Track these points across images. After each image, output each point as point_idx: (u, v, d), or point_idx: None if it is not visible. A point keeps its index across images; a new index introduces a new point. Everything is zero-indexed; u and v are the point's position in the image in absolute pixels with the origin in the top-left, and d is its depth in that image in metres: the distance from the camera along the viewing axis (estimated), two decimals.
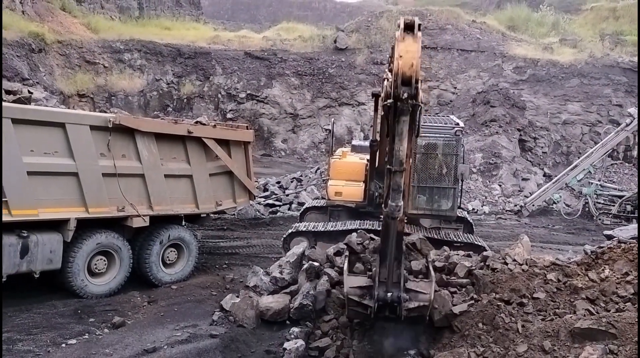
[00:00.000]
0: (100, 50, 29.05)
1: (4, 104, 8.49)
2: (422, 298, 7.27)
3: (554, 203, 21.72)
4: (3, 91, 12.01)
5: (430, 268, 7.80)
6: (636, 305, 6.65)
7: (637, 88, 27.54)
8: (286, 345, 7.64)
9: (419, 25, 6.15)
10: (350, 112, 31.08)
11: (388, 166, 6.52)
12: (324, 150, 28.89)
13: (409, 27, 6.13)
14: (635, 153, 27.55)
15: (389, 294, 7.03)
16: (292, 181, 21.35)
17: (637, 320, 6.18)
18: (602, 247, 8.61)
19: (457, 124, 11.42)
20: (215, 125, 11.75)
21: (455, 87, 31.35)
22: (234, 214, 16.25)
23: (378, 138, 11.38)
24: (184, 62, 31.15)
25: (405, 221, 8.33)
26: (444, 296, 7.73)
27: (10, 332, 7.86)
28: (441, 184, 11.35)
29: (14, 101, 12.25)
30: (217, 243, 14.38)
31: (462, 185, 11.61)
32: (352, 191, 12.19)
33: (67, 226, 9.07)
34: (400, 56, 5.98)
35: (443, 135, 11.34)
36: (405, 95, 5.98)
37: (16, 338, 7.69)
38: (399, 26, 6.13)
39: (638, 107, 27.45)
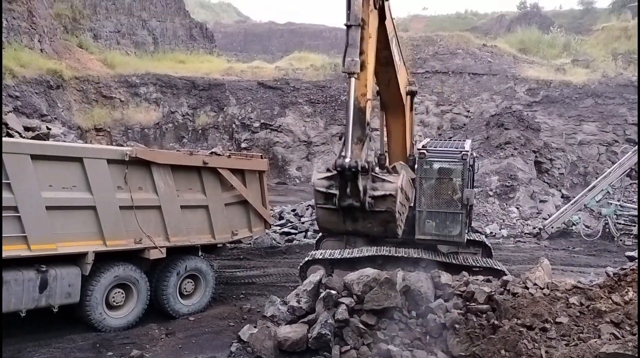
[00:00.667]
0: (117, 84, 29.64)
1: (23, 141, 8.67)
2: (388, 186, 7.01)
3: (574, 224, 21.39)
4: (22, 128, 12.23)
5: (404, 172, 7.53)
6: None
7: (638, 95, 27.32)
8: None
9: None
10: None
11: (344, 23, 6.70)
12: None
13: None
14: None
15: (347, 160, 6.79)
16: (307, 209, 21.33)
17: None
18: (625, 268, 8.42)
19: (464, 148, 11.40)
20: (230, 155, 11.85)
21: (468, 111, 31.38)
22: (250, 244, 16.24)
23: (385, 149, 11.52)
24: (199, 94, 31.63)
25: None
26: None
27: None
28: (449, 210, 11.25)
29: (32, 137, 12.51)
30: (233, 273, 14.34)
31: (469, 210, 11.48)
32: None
33: (85, 260, 9.13)
34: None
35: (449, 160, 11.31)
36: None
37: None
38: None
39: (638, 117, 27.21)
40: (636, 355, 6.00)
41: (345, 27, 6.95)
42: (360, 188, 6.90)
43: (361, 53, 6.93)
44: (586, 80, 30.84)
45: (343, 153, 6.92)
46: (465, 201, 10.95)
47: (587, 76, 31.35)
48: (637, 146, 20.70)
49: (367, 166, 6.98)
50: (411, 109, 10.92)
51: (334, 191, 7.07)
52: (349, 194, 6.98)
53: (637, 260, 7.42)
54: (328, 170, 7.49)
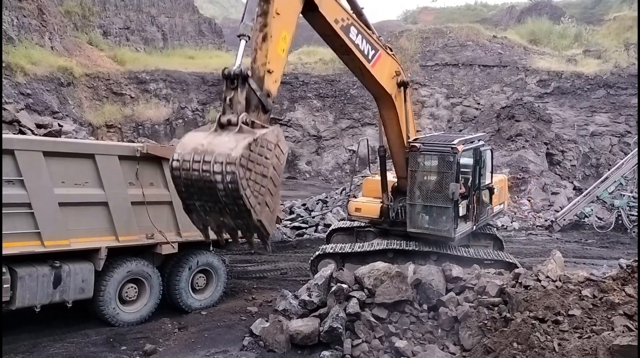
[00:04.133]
0: (127, 81, 29.78)
1: (35, 137, 8.73)
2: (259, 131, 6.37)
3: (586, 216, 21.23)
4: (34, 125, 12.28)
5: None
6: None
7: (637, 89, 27.01)
8: None
9: None
10: (374, 132, 31.06)
11: None
12: (348, 171, 28.89)
13: None
14: None
15: (234, 68, 6.57)
16: (317, 203, 21.37)
17: None
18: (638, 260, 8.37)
19: (453, 142, 11.32)
20: None
21: (478, 103, 31.20)
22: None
23: (385, 143, 11.46)
24: (208, 89, 31.71)
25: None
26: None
27: None
28: (436, 203, 11.19)
29: (44, 134, 12.59)
30: (244, 267, 14.41)
31: (457, 205, 11.34)
32: (370, 207, 12.20)
33: (98, 255, 9.21)
34: None
35: (439, 154, 11.26)
36: None
37: None
38: None
39: (638, 111, 26.89)
40: None
41: None
42: (241, 100, 6.54)
43: (264, 26, 7.03)
44: (598, 71, 30.54)
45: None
46: (450, 195, 10.89)
47: (599, 66, 31.04)
48: (638, 140, 20.48)
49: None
50: (405, 101, 10.68)
51: None
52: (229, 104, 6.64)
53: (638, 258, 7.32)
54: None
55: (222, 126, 6.40)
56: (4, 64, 22.28)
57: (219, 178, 5.88)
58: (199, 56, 35.94)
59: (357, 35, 8.85)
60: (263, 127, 6.46)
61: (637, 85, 29.25)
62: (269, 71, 7.00)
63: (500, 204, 13.91)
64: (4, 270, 8.16)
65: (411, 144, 11.36)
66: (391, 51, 10.22)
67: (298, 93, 31.61)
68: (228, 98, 6.60)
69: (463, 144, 11.35)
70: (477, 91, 31.59)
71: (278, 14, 7.06)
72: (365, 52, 9.19)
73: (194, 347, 8.64)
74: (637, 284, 7.45)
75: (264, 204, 6.35)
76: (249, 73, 6.63)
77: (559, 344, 6.74)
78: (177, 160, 6.07)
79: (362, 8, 9.33)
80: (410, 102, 10.93)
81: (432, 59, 33.41)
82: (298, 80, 32.06)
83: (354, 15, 8.94)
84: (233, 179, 5.81)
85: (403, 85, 10.51)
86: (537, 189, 24.06)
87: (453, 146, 11.08)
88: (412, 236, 11.51)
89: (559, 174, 27.02)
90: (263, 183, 6.26)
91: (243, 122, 6.27)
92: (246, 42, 6.92)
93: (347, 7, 8.93)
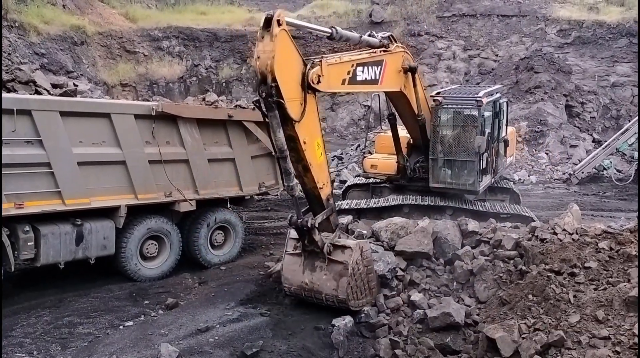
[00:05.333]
0: (140, 39, 29.53)
1: (51, 97, 8.79)
2: (349, 242, 7.86)
3: (605, 169, 20.95)
4: (50, 85, 12.34)
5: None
6: None
7: (638, 82, 26.26)
8: (335, 321, 7.74)
9: (278, 21, 6.32)
10: None
11: (273, 154, 7.11)
12: (363, 127, 28.71)
13: (268, 24, 6.33)
14: None
15: (299, 220, 7.47)
16: (333, 160, 21.36)
17: None
18: None
19: (478, 94, 11.09)
20: (254, 108, 11.81)
21: (496, 55, 30.48)
22: (277, 195, 16.39)
23: (394, 110, 11.31)
24: (221, 46, 31.36)
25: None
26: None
27: (71, 316, 8.25)
28: (462, 158, 11.07)
29: (60, 94, 12.67)
30: (262, 223, 14.58)
31: (487, 158, 11.20)
32: (387, 164, 12.17)
33: (118, 213, 9.39)
34: (258, 57, 6.35)
35: (463, 107, 11.06)
36: (264, 94, 6.42)
37: (77, 322, 8.07)
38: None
39: (638, 101, 26.19)
40: None
41: None
42: (318, 239, 7.63)
43: (301, 160, 7.23)
44: (620, 19, 29.51)
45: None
46: (476, 148, 10.76)
47: (621, 14, 29.97)
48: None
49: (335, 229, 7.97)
50: (415, 85, 10.24)
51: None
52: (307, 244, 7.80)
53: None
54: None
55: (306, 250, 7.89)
56: (16, 23, 22.20)
57: (330, 303, 7.90)
58: (211, 11, 35.33)
59: (363, 72, 8.48)
60: (344, 248, 7.78)
61: None
62: (322, 189, 7.62)
63: (510, 156, 13.86)
64: (27, 228, 8.38)
65: (434, 98, 11.20)
66: (393, 40, 9.57)
67: (312, 48, 31.07)
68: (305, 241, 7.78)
69: (487, 96, 11.19)
70: (495, 42, 30.81)
71: (305, 142, 7.16)
72: (373, 78, 8.81)
73: (214, 301, 8.86)
74: None
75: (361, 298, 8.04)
76: (311, 223, 7.47)
77: (575, 296, 6.80)
78: (289, 292, 8.30)
79: (361, 36, 8.85)
80: (420, 85, 10.50)
81: (449, 10, 32.53)
82: (312, 35, 31.50)
83: (356, 56, 8.39)
84: (344, 304, 7.77)
85: (410, 71, 10.02)
86: (555, 142, 23.73)
87: (478, 98, 10.91)
88: (434, 191, 11.48)
89: (578, 127, 26.55)
90: (364, 287, 8.00)
91: (328, 254, 7.75)
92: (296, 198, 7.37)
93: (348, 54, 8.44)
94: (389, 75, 9.32)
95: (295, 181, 7.22)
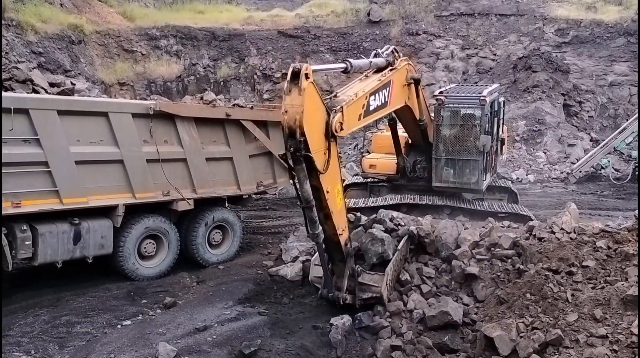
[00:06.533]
0: (137, 38, 29.45)
1: (49, 96, 8.77)
2: (375, 290, 7.96)
3: (602, 168, 21.00)
4: (47, 84, 12.32)
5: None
6: None
7: (637, 80, 26.29)
8: (333, 320, 7.74)
9: (306, 74, 6.21)
10: None
11: (299, 204, 7.09)
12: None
13: (295, 77, 6.21)
14: None
15: (330, 294, 7.88)
16: None
17: None
18: None
19: (482, 93, 11.07)
20: (252, 107, 11.83)
21: (494, 54, 30.48)
22: (275, 194, 16.42)
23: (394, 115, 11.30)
24: (219, 45, 31.28)
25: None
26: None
27: (69, 315, 8.24)
28: (465, 157, 11.06)
29: (58, 93, 12.63)
30: (260, 223, 14.58)
31: (487, 157, 11.19)
32: (386, 164, 12.17)
33: (116, 212, 9.37)
34: (286, 111, 6.24)
35: (466, 106, 11.05)
36: (292, 149, 6.38)
37: (74, 321, 8.06)
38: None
39: (638, 100, 26.22)
40: None
41: None
42: (350, 301, 7.96)
43: (323, 208, 7.20)
44: (618, 18, 29.53)
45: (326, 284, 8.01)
46: (481, 147, 10.75)
47: (619, 13, 29.99)
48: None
49: (353, 274, 7.99)
50: (418, 95, 10.17)
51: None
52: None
53: None
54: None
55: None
56: (14, 22, 22.14)
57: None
58: (209, 10, 35.26)
59: (375, 100, 8.37)
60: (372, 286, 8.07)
61: None
62: (341, 235, 7.65)
63: (504, 154, 13.92)
64: (24, 227, 8.36)
65: (437, 97, 11.19)
66: (397, 55, 9.41)
67: (310, 47, 31.09)
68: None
69: (489, 95, 11.19)
70: (494, 41, 30.81)
71: (327, 191, 7.11)
72: (383, 102, 8.68)
73: (212, 300, 8.85)
74: None
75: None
76: (343, 300, 7.87)
77: (572, 295, 6.80)
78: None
79: (370, 62, 8.61)
80: (422, 95, 10.43)
81: (447, 9, 32.52)
82: (309, 34, 31.47)
83: (368, 87, 8.21)
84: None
85: (414, 82, 9.94)
86: (553, 141, 23.76)
87: (482, 97, 10.90)
88: (436, 190, 11.49)
89: (575, 126, 26.60)
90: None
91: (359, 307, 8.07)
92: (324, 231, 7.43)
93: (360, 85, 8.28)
94: (395, 94, 9.18)
95: (320, 229, 7.19)
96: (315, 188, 6.91)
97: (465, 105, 11.08)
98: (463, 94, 11.40)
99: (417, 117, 10.60)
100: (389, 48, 9.37)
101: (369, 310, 8.10)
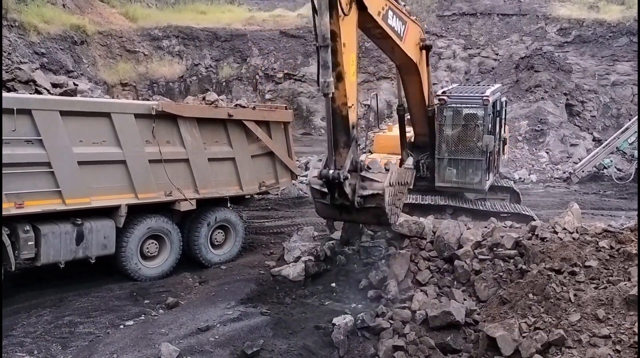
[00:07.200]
0: (140, 38, 29.51)
1: (51, 97, 8.79)
2: (376, 186, 7.38)
3: (605, 168, 20.97)
4: (50, 84, 12.32)
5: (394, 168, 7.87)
6: None
7: (637, 80, 26.24)
8: (335, 320, 7.74)
9: None
10: (389, 86, 30.60)
11: (314, 44, 6.58)
12: (363, 126, 28.67)
13: None
14: None
15: (330, 171, 7.13)
16: None
17: None
18: None
19: (485, 93, 11.07)
20: (254, 107, 11.83)
21: (497, 54, 30.47)
22: (277, 194, 16.39)
23: (405, 104, 11.28)
24: (221, 45, 31.34)
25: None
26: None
27: (72, 315, 8.25)
28: (468, 157, 11.05)
29: (60, 94, 12.65)
30: (262, 223, 14.58)
31: (490, 157, 11.18)
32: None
33: (118, 213, 9.38)
34: None
35: (469, 106, 11.05)
36: None
37: (77, 321, 8.06)
38: None
39: (638, 100, 26.17)
40: None
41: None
42: (349, 191, 7.33)
43: (337, 65, 6.84)
44: (621, 17, 29.48)
45: (327, 163, 7.31)
46: (484, 147, 10.75)
47: (622, 13, 29.95)
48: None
49: (356, 167, 7.44)
50: (427, 64, 10.25)
51: (326, 190, 7.54)
52: (337, 197, 7.47)
53: None
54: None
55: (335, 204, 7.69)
56: (16, 23, 22.19)
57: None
58: (211, 10, 35.32)
59: (392, 18, 8.47)
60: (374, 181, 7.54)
61: None
62: (350, 108, 7.17)
63: (506, 154, 13.92)
64: (27, 227, 8.38)
65: (439, 97, 11.18)
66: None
67: (312, 47, 31.06)
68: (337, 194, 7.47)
69: (492, 95, 11.19)
70: (496, 41, 30.80)
71: (345, 46, 6.82)
72: (398, 31, 8.78)
73: (214, 300, 8.86)
74: None
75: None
76: (343, 176, 7.13)
77: (575, 295, 6.79)
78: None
79: None
80: (429, 65, 10.56)
81: (449, 9, 32.51)
82: (312, 34, 31.49)
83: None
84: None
85: (426, 49, 10.06)
86: (555, 141, 23.75)
87: (485, 97, 10.90)
88: (439, 190, 11.47)
89: (578, 126, 26.56)
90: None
91: (359, 206, 7.57)
92: (334, 94, 6.93)
93: None
94: (410, 39, 9.27)
95: (331, 78, 6.65)
96: (333, 35, 6.64)
97: (467, 105, 11.09)
98: (465, 94, 11.40)
99: (426, 95, 10.57)
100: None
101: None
